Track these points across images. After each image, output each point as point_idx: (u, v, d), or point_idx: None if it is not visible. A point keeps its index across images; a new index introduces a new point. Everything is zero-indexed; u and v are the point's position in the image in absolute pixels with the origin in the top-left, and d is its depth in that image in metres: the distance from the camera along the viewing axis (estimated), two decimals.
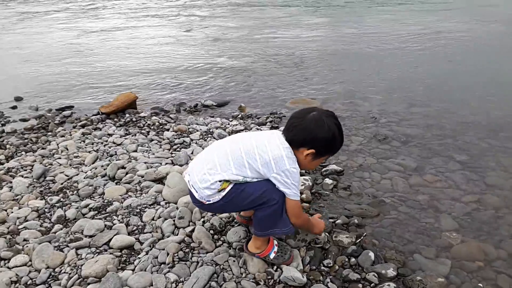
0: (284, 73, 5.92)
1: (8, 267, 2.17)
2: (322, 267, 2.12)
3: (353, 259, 2.16)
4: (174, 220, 2.48)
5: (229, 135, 3.79)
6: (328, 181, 2.93)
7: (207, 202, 1.96)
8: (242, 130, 3.90)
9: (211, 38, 8.82)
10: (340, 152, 3.39)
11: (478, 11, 10.45)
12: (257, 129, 3.93)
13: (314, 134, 1.83)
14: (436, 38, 7.54)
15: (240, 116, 4.37)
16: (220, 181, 1.89)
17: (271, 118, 4.23)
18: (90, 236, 2.38)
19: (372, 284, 2.00)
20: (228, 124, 4.12)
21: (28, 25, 11.48)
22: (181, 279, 2.02)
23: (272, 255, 2.09)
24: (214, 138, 3.74)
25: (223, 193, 1.92)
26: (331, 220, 2.50)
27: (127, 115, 4.45)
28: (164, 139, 3.78)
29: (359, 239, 2.31)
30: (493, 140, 3.55)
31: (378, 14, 10.82)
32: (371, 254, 2.16)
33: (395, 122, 4.00)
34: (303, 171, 2.87)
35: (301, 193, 2.76)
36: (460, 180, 2.98)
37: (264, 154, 1.86)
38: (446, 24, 8.79)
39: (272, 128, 3.98)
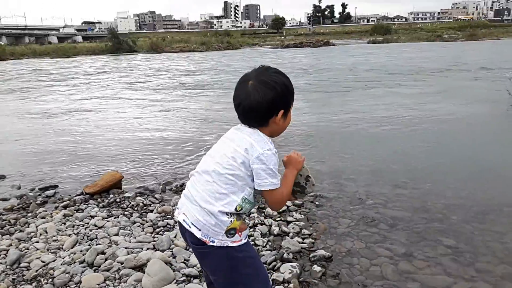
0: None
1: None
2: None
3: None
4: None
5: None
6: (316, 268, 2.84)
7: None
8: None
9: (200, 117, 9.04)
10: (328, 236, 3.38)
11: (459, 92, 10.99)
12: None
13: (271, 98, 1.60)
14: (419, 120, 7.81)
15: None
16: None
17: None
18: None
19: None
20: None
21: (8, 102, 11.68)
22: None
23: None
24: None
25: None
26: None
27: (111, 195, 4.38)
28: (147, 221, 3.68)
29: None
30: (480, 224, 3.54)
31: (361, 96, 11.32)
32: None
33: (381, 204, 4.00)
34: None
35: (289, 282, 2.66)
36: (450, 266, 2.92)
37: (235, 153, 1.64)
38: (430, 106, 9.17)
39: (259, 208, 3.93)
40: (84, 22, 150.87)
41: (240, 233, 1.65)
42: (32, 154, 6.41)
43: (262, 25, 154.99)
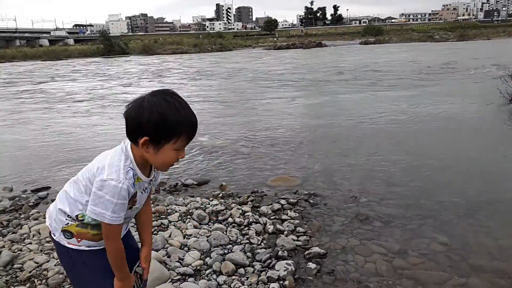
0: (265, 152, 6.02)
1: None
2: None
3: None
4: None
5: (209, 215, 3.73)
6: (311, 265, 2.85)
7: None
8: (223, 210, 3.84)
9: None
10: (322, 233, 3.39)
11: (455, 90, 11.07)
12: (238, 209, 3.87)
13: (138, 119, 1.49)
14: (414, 119, 7.87)
15: (221, 195, 4.33)
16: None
17: (252, 197, 4.20)
18: None
19: None
20: (208, 204, 4.05)
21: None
22: None
23: None
24: (193, 219, 3.66)
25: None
26: None
27: None
28: None
29: None
30: (473, 220, 3.58)
31: (356, 93, 11.37)
32: None
33: (375, 202, 4.02)
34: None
35: (284, 279, 2.66)
36: (444, 262, 2.94)
37: (93, 169, 1.57)
38: (425, 105, 9.23)
39: (253, 207, 3.94)
40: (76, 25, 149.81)
41: (78, 239, 1.65)
42: (22, 157, 6.36)
43: (254, 27, 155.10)
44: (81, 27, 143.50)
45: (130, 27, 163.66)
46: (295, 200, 4.04)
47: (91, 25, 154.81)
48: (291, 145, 6.30)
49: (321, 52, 35.24)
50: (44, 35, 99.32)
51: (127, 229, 1.86)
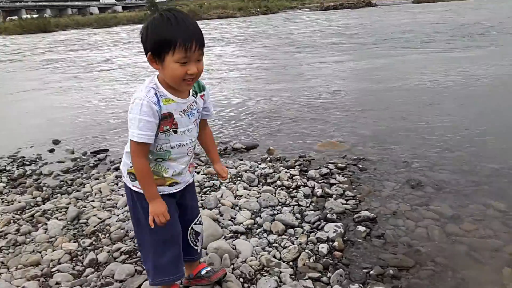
0: (313, 117, 5.96)
1: None
2: None
3: None
4: None
5: (258, 178, 3.80)
6: (360, 228, 2.86)
7: None
8: (271, 173, 3.90)
9: (240, 81, 9.06)
10: (372, 198, 3.37)
11: None
12: (286, 172, 3.91)
13: (141, 38, 1.67)
14: (471, 82, 7.44)
15: (268, 159, 4.39)
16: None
17: (299, 161, 4.22)
18: (121, 281, 2.38)
19: None
20: (257, 167, 4.13)
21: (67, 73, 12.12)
22: None
23: None
24: (243, 181, 3.75)
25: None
26: (365, 270, 2.42)
27: None
28: (194, 182, 3.81)
29: None
30: None
31: (411, 54, 10.86)
32: None
33: (427, 167, 3.92)
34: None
35: (333, 241, 2.70)
36: (499, 229, 2.85)
37: None
38: (483, 67, 8.68)
39: (301, 171, 3.97)
40: None
41: None
42: (83, 121, 6.70)
43: None
44: None
45: None
46: (344, 165, 4.02)
47: None
48: (341, 110, 6.20)
49: (371, 12, 33.67)
50: (94, 3, 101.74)
51: (190, 184, 2.00)
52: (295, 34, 19.29)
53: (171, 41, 1.57)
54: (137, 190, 1.81)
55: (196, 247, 2.11)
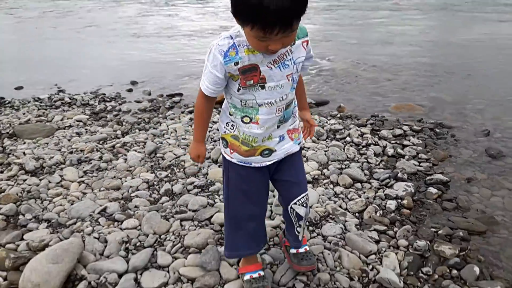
0: (389, 77, 5.73)
1: (120, 228, 2.40)
2: (421, 274, 2.03)
3: (454, 271, 2.03)
4: (271, 207, 2.55)
5: (327, 133, 3.78)
6: (432, 190, 2.79)
7: None
8: (341, 129, 3.86)
9: (317, 39, 8.83)
10: (447, 163, 3.24)
11: None
12: (357, 130, 3.84)
13: None
14: None
15: (339, 115, 4.33)
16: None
17: (371, 120, 4.12)
18: (194, 211, 2.54)
19: None
20: (326, 122, 4.10)
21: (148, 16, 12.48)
22: (276, 262, 2.08)
23: (246, 277, 1.86)
24: None
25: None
26: (433, 229, 2.38)
27: None
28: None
29: (464, 252, 2.17)
30: None
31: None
32: (476, 269, 2.02)
33: (510, 138, 3.67)
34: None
35: (402, 199, 2.67)
36: None
37: None
38: None
39: (372, 130, 3.88)
40: None
41: (231, 150, 1.67)
42: (160, 65, 6.94)
43: None
44: None
45: None
46: (419, 128, 3.87)
47: None
48: (421, 74, 5.88)
49: None
50: None
51: (292, 154, 1.74)
52: None
53: (247, 18, 1.28)
54: (226, 157, 1.72)
55: (297, 233, 1.86)
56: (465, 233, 2.33)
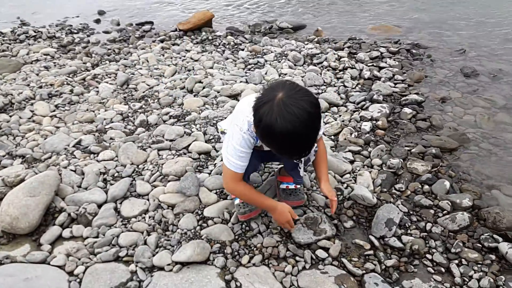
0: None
1: (97, 160, 2.38)
2: (394, 191, 2.11)
3: (426, 187, 2.12)
4: None
5: (304, 58, 3.71)
6: (407, 110, 2.82)
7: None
8: (318, 53, 3.79)
9: None
10: (422, 84, 3.26)
11: None
12: (334, 54, 3.78)
13: (259, 116, 1.36)
14: None
15: (316, 40, 4.23)
16: None
17: (349, 43, 4.05)
18: (171, 140, 2.52)
19: (444, 212, 1.97)
20: (303, 47, 4.01)
21: None
22: (254, 185, 2.12)
23: (236, 201, 1.94)
24: (288, 60, 3.68)
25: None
26: (406, 148, 2.44)
27: (203, 33, 4.48)
28: (239, 58, 3.79)
29: (435, 168, 2.25)
30: None
31: None
32: (447, 183, 2.11)
33: (485, 57, 3.68)
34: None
35: (377, 120, 2.70)
36: None
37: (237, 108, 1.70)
38: None
39: (349, 53, 3.82)
40: None
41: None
42: None
43: None
44: None
45: None
46: (396, 49, 3.83)
47: None
48: None
49: None
50: None
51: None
52: None
53: (276, 149, 1.45)
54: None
55: (299, 169, 1.88)
56: (438, 150, 2.40)
